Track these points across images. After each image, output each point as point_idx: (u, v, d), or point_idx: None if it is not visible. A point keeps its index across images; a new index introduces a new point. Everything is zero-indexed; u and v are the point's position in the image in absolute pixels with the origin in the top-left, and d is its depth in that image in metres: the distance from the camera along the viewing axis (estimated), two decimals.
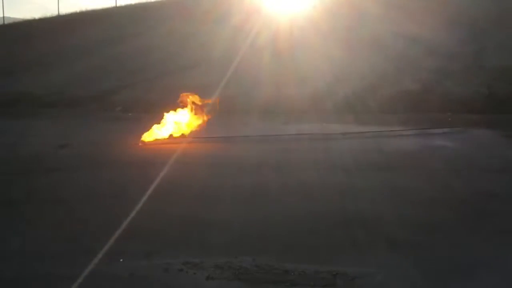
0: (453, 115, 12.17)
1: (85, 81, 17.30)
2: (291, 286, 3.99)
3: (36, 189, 6.95)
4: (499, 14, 17.42)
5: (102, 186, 7.08)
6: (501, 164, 8.00)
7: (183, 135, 10.11)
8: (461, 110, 12.44)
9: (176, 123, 10.15)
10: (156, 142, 9.92)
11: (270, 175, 7.35)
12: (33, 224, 5.53)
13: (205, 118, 10.15)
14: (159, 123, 10.15)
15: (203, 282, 4.09)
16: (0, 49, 21.87)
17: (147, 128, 10.09)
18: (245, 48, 15.51)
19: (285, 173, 7.53)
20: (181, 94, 10.23)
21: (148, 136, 9.95)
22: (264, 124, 11.67)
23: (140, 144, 9.80)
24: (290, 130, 10.86)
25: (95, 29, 22.69)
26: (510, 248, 4.74)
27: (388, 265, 4.32)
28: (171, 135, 10.11)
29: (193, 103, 10.10)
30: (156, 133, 10.04)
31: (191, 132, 10.13)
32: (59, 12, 28.64)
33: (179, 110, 10.21)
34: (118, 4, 28.49)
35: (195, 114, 10.15)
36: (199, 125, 10.15)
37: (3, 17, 30.48)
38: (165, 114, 10.24)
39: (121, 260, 4.47)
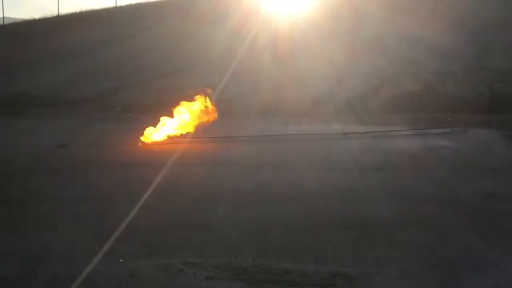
0: (454, 116, 12.18)
1: (84, 81, 17.27)
2: (291, 286, 3.98)
3: (35, 189, 6.95)
4: (500, 15, 17.42)
5: (102, 186, 7.07)
6: (501, 164, 8.01)
7: (183, 135, 10.10)
8: (462, 110, 12.44)
9: (176, 123, 10.15)
10: (156, 142, 9.91)
11: (270, 175, 7.35)
12: (32, 224, 5.53)
13: (208, 118, 10.15)
14: (159, 123, 10.14)
15: (203, 282, 4.08)
16: (0, 49, 21.85)
17: (146, 128, 10.08)
18: (244, 50, 15.50)
19: (285, 173, 7.53)
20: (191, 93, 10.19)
21: (148, 136, 9.95)
22: (264, 124, 11.66)
23: (140, 144, 9.79)
24: (290, 130, 10.85)
25: (95, 29, 22.65)
26: (510, 248, 4.74)
27: (388, 265, 4.32)
28: (171, 135, 10.10)
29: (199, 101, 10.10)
30: (156, 133, 10.03)
31: (191, 132, 10.12)
32: (59, 12, 28.60)
33: (179, 111, 10.20)
34: (118, 4, 28.49)
35: (196, 114, 10.15)
36: (200, 126, 10.15)
37: (3, 17, 30.45)
38: (165, 115, 10.23)
39: (121, 260, 4.47)
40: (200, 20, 20.59)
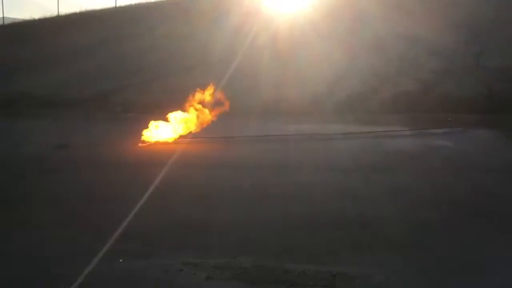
0: (454, 115, 12.18)
1: (84, 82, 17.28)
2: (291, 286, 3.99)
3: (35, 189, 6.95)
4: (499, 14, 17.42)
5: (102, 186, 7.07)
6: (501, 164, 8.01)
7: (183, 135, 10.11)
8: (461, 110, 12.44)
9: (177, 123, 10.15)
10: (156, 142, 9.91)
11: (270, 176, 7.35)
12: (32, 224, 5.53)
13: (209, 118, 10.15)
14: (159, 124, 10.15)
15: (203, 282, 4.08)
16: (0, 50, 21.85)
17: (147, 128, 10.08)
18: (245, 49, 15.49)
19: (285, 173, 7.53)
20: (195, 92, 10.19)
21: (148, 137, 9.95)
22: (264, 124, 11.66)
23: (140, 144, 9.80)
24: (290, 130, 10.86)
25: (95, 29, 22.66)
26: (510, 248, 4.74)
27: (388, 265, 4.32)
28: (171, 136, 10.10)
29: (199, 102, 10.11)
30: (156, 134, 10.03)
31: (191, 133, 10.12)
32: (59, 12, 28.57)
33: (179, 111, 10.22)
34: (118, 4, 28.45)
35: (197, 115, 10.16)
36: (201, 126, 10.15)
37: (3, 17, 30.42)
38: (166, 115, 10.24)
39: (121, 260, 4.47)
40: (200, 20, 20.58)
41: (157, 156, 8.84)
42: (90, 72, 17.97)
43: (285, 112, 12.84)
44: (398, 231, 5.11)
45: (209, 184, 7.01)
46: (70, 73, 18.05)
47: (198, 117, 10.15)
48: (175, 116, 10.17)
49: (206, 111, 10.16)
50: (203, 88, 10.32)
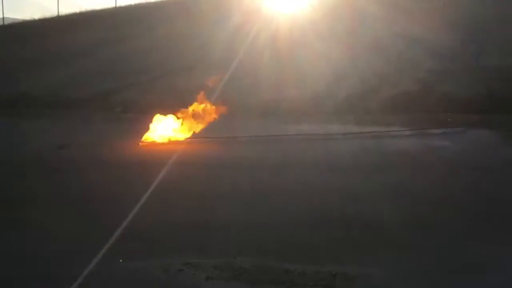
0: (453, 115, 12.17)
1: (84, 82, 17.26)
2: (291, 286, 3.99)
3: (36, 190, 6.95)
4: (498, 14, 17.42)
5: (102, 186, 7.07)
6: (501, 164, 8.00)
7: (183, 136, 10.10)
8: (461, 110, 12.44)
9: (177, 124, 10.15)
10: (156, 142, 9.91)
11: (270, 176, 7.35)
12: (33, 224, 5.53)
13: (209, 119, 10.15)
14: (159, 124, 10.14)
15: (202, 282, 4.08)
16: (0, 49, 21.84)
17: (146, 128, 10.08)
18: (245, 49, 15.47)
19: (285, 173, 7.53)
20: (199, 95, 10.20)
21: (148, 137, 9.95)
22: (264, 124, 11.65)
23: (140, 144, 9.79)
24: (290, 130, 10.85)
25: (95, 29, 22.64)
26: (510, 248, 4.74)
27: (388, 265, 4.32)
28: (171, 136, 10.09)
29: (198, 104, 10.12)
30: (156, 134, 10.03)
31: (191, 133, 10.12)
32: (59, 12, 28.53)
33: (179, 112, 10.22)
34: (118, 5, 28.43)
35: (197, 115, 10.16)
36: (201, 126, 10.15)
37: (3, 17, 30.40)
38: (166, 115, 10.23)
39: (121, 260, 4.47)
40: (200, 19, 20.58)
41: (157, 156, 8.83)
42: (90, 72, 17.95)
43: (285, 112, 12.84)
44: (398, 231, 5.11)
45: (209, 184, 7.01)
46: (70, 73, 18.03)
47: (197, 119, 10.15)
48: (175, 117, 10.18)
49: (207, 110, 10.15)
50: (203, 88, 10.32)
